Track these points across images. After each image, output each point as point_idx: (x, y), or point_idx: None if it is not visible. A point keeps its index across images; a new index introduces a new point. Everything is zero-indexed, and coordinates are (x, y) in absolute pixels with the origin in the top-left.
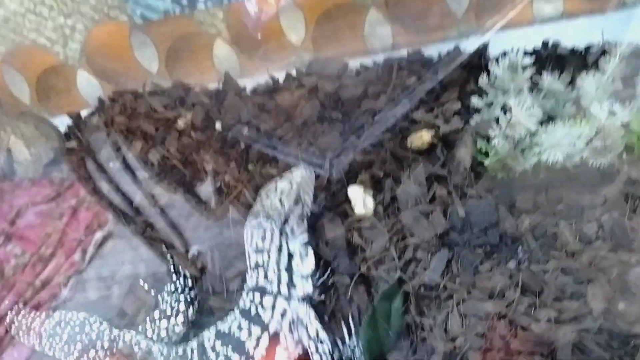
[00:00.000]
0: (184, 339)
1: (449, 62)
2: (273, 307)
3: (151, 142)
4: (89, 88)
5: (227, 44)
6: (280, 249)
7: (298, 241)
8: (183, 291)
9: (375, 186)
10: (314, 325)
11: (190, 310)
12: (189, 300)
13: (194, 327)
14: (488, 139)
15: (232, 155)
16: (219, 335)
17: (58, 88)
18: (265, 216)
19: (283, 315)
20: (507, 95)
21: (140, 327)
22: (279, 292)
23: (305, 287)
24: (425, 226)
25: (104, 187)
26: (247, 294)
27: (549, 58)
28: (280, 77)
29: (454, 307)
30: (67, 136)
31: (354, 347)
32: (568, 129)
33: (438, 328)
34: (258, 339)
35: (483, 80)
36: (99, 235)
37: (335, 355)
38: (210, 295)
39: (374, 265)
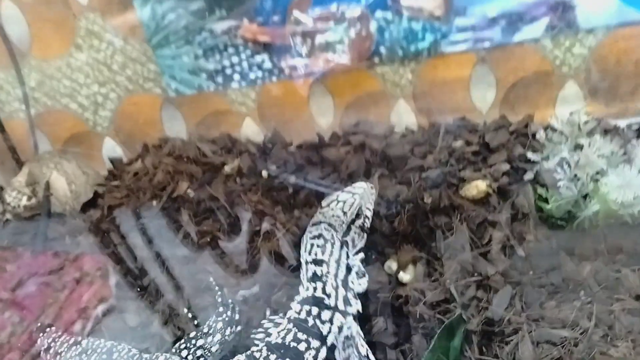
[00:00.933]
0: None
1: (496, 129)
2: (331, 321)
3: (197, 184)
4: (114, 156)
5: (256, 123)
6: (339, 262)
7: (358, 256)
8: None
9: (429, 236)
10: (364, 345)
11: (228, 330)
12: (227, 320)
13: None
14: (547, 188)
15: (279, 199)
16: (271, 347)
17: (83, 153)
18: (326, 226)
19: (340, 329)
20: (565, 148)
21: (174, 349)
22: (336, 306)
23: (357, 304)
24: (484, 264)
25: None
26: (302, 305)
27: None
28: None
29: (525, 335)
30: (107, 180)
31: None
32: (637, 167)
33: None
34: (317, 352)
35: (541, 134)
36: (100, 308)
37: None
38: None
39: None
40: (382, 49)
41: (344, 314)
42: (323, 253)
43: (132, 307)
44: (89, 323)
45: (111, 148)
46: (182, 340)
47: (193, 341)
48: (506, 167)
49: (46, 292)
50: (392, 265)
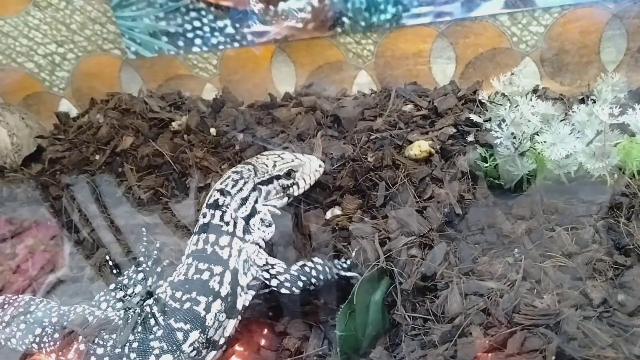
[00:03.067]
0: None
1: (445, 94)
2: (230, 245)
3: (143, 139)
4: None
5: (217, 89)
6: (245, 200)
7: (267, 207)
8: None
9: (370, 190)
10: (263, 256)
11: (150, 281)
12: (147, 271)
13: None
14: (486, 148)
15: (225, 156)
16: (175, 285)
17: (38, 115)
18: (250, 167)
19: (240, 253)
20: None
21: (94, 302)
22: (234, 233)
23: (263, 237)
24: (420, 221)
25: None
26: (199, 235)
27: None
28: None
29: (454, 288)
30: (52, 134)
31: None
32: (572, 128)
33: (434, 311)
34: (221, 276)
35: (483, 96)
36: (52, 277)
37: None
38: None
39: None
40: (345, 20)
41: (242, 240)
42: (233, 187)
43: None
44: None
45: (67, 110)
46: (102, 293)
47: (113, 293)
48: (452, 130)
49: None
50: (335, 211)
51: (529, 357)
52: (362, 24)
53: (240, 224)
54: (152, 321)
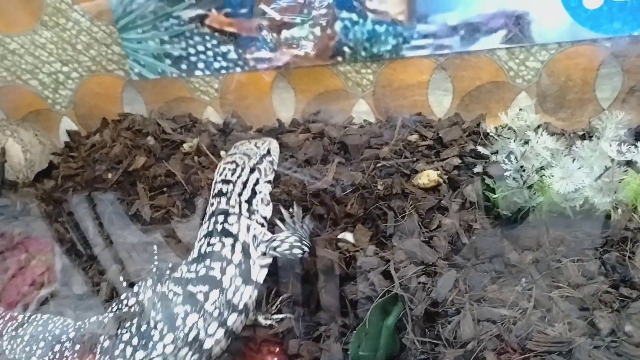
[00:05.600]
0: None
1: (450, 125)
2: (238, 222)
3: (155, 159)
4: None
5: (217, 113)
6: (245, 184)
7: (267, 186)
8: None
9: (380, 218)
10: (267, 234)
11: (159, 286)
12: (157, 275)
13: None
14: (495, 180)
15: None
16: (188, 263)
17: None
18: (240, 155)
19: (248, 228)
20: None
21: (107, 312)
22: (240, 213)
23: (264, 214)
24: (428, 251)
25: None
26: (209, 220)
27: None
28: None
29: (467, 314)
30: (64, 151)
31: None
32: (579, 163)
33: (447, 337)
34: (233, 247)
35: (491, 129)
36: (43, 292)
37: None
38: None
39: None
40: (346, 49)
41: (249, 218)
42: (232, 174)
43: (77, 279)
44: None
45: (68, 127)
46: (114, 302)
47: (125, 301)
48: (457, 161)
49: None
50: (347, 235)
51: None
52: (363, 53)
53: (245, 205)
54: (171, 294)
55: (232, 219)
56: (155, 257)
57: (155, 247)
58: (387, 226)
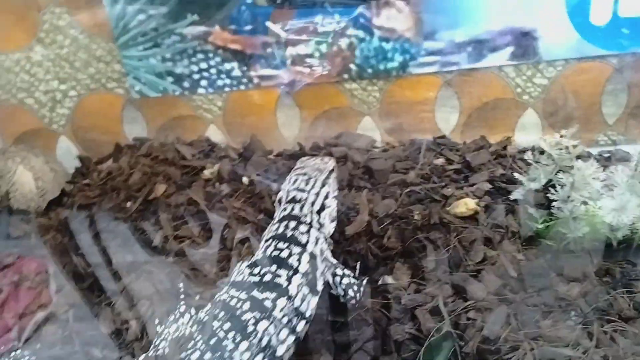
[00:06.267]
0: None
1: (477, 149)
2: (308, 233)
3: (175, 187)
4: (68, 156)
5: (220, 131)
6: (318, 195)
7: (334, 201)
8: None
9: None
10: (336, 263)
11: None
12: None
13: None
14: (536, 209)
15: (262, 207)
16: (252, 264)
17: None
18: (311, 169)
19: (317, 241)
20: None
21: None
22: (311, 223)
23: (330, 230)
24: (477, 286)
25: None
26: (280, 223)
27: None
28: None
29: (527, 353)
30: (75, 178)
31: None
32: (630, 194)
33: None
34: (300, 256)
35: (528, 155)
36: (40, 315)
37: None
38: None
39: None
40: (352, 66)
41: (319, 231)
42: (306, 185)
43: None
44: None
45: (66, 148)
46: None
47: (166, 331)
48: (488, 186)
49: None
50: (387, 279)
51: None
52: (369, 71)
53: (315, 217)
54: (234, 300)
55: (303, 228)
56: (181, 292)
57: (181, 284)
58: (429, 260)
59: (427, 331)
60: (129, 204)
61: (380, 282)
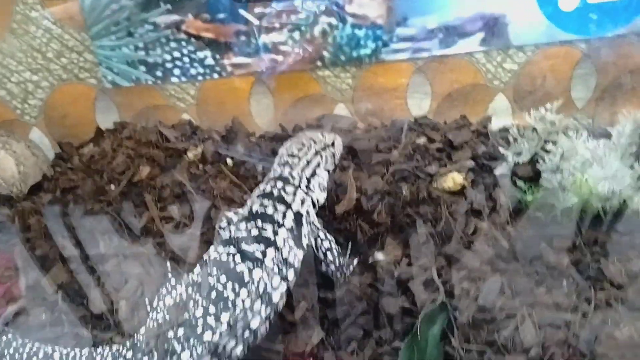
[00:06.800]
0: None
1: (458, 127)
2: (294, 194)
3: (159, 169)
4: (41, 147)
5: (193, 120)
6: (310, 162)
7: (325, 173)
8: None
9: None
10: (321, 228)
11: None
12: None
13: None
14: (524, 181)
15: (248, 186)
16: (239, 221)
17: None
18: (307, 138)
19: (303, 202)
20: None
21: None
22: (299, 185)
23: (318, 197)
24: (470, 256)
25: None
26: (269, 182)
27: None
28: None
29: (526, 318)
30: (56, 163)
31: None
32: (621, 162)
33: (503, 343)
34: (284, 213)
35: (513, 131)
36: (10, 309)
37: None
38: None
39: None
40: (325, 54)
41: (306, 193)
42: (299, 151)
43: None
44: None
45: (38, 139)
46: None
47: (161, 302)
48: (471, 163)
49: None
50: (378, 256)
51: None
52: (342, 58)
53: (304, 180)
54: (225, 255)
55: (289, 188)
56: (169, 270)
57: (168, 262)
58: (419, 233)
59: (421, 303)
60: (112, 186)
61: (371, 260)
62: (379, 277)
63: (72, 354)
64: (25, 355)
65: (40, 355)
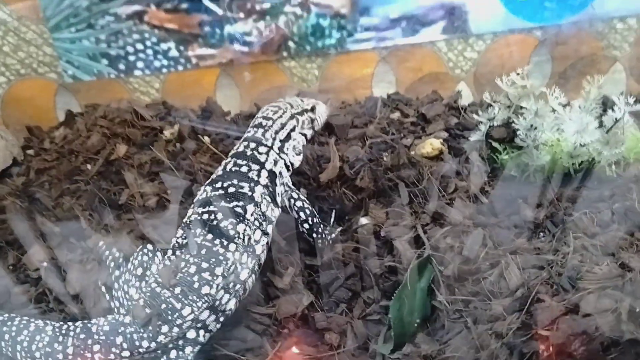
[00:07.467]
0: None
1: (430, 102)
2: (267, 154)
3: (136, 148)
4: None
5: None
6: (284, 125)
7: (301, 137)
8: None
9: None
10: (294, 189)
11: None
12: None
13: None
14: (500, 142)
15: None
16: (214, 180)
17: None
18: (285, 103)
19: (276, 163)
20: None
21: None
22: (272, 146)
23: (292, 160)
24: (453, 212)
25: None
26: (242, 142)
27: None
28: None
29: (510, 263)
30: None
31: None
32: (592, 116)
33: (489, 289)
34: (258, 172)
35: (486, 96)
36: None
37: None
38: None
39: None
40: (291, 44)
41: (278, 154)
42: (274, 114)
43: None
44: None
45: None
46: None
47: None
48: (444, 134)
49: None
50: (362, 221)
51: (604, 317)
52: (308, 48)
53: (278, 143)
54: (206, 215)
55: (262, 149)
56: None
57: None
58: (402, 195)
59: (408, 261)
60: (88, 166)
61: (356, 225)
62: (363, 240)
63: (64, 327)
64: (14, 328)
65: (31, 327)
